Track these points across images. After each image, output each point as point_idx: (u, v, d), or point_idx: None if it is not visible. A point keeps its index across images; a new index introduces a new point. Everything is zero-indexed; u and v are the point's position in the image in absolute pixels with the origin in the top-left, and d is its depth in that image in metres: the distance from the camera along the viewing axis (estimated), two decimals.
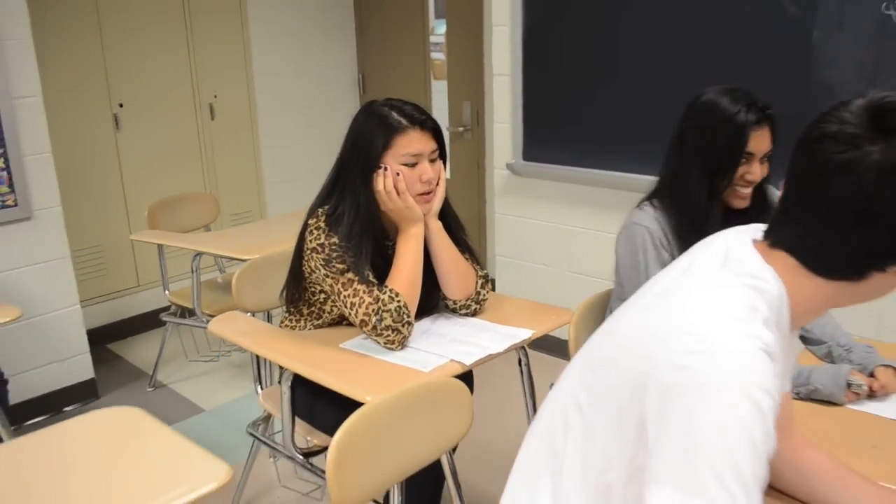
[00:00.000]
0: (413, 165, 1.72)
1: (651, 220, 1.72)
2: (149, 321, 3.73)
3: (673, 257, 1.54)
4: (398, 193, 1.70)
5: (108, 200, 3.63)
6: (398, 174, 1.70)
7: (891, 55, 2.28)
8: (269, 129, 4.20)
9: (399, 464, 1.37)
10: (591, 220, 3.11)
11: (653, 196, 1.80)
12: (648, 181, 1.85)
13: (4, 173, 2.75)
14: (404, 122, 1.71)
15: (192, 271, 2.82)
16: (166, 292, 3.12)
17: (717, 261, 0.93)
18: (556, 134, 3.15)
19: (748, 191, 1.69)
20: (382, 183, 1.70)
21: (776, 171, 1.82)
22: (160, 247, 3.08)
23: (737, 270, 0.90)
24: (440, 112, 4.22)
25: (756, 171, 1.67)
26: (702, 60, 2.67)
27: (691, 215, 1.67)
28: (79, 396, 3.08)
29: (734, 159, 1.65)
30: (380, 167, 1.71)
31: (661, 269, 1.33)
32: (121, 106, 3.60)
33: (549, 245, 3.29)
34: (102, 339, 3.60)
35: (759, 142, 1.65)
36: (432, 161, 1.75)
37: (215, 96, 3.96)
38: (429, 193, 1.75)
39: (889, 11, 2.27)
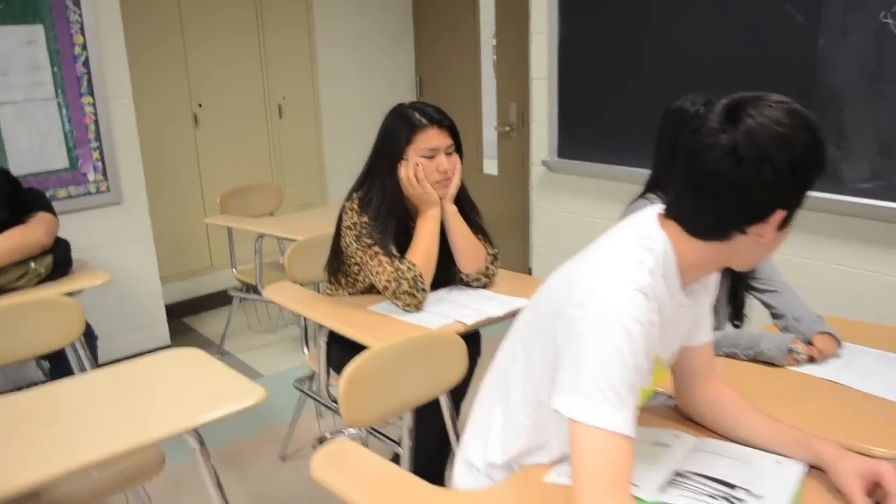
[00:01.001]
0: (431, 158, 2.02)
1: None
2: (220, 298, 4.15)
3: None
4: (418, 181, 2.01)
5: (187, 189, 4.07)
6: (418, 165, 2.01)
7: (889, 60, 2.45)
8: (331, 127, 4.57)
9: (401, 397, 1.67)
10: (619, 214, 3.34)
11: (648, 190, 2.03)
12: None
13: (100, 164, 3.20)
14: (424, 121, 2.01)
15: (255, 251, 3.21)
16: (234, 270, 3.52)
17: (628, 225, 1.20)
18: (587, 133, 3.39)
19: None
20: (405, 172, 2.01)
21: None
22: (229, 230, 3.48)
23: (637, 233, 1.17)
24: (489, 112, 4.52)
25: None
26: (716, 65, 2.87)
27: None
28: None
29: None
30: (404, 159, 2.02)
31: None
32: (200, 106, 4.05)
33: (580, 237, 3.50)
34: (179, 313, 4.05)
35: None
36: (448, 154, 2.05)
37: (284, 97, 4.37)
38: (445, 181, 2.05)
39: (887, 20, 2.43)
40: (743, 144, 1.04)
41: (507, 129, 4.36)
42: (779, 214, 1.07)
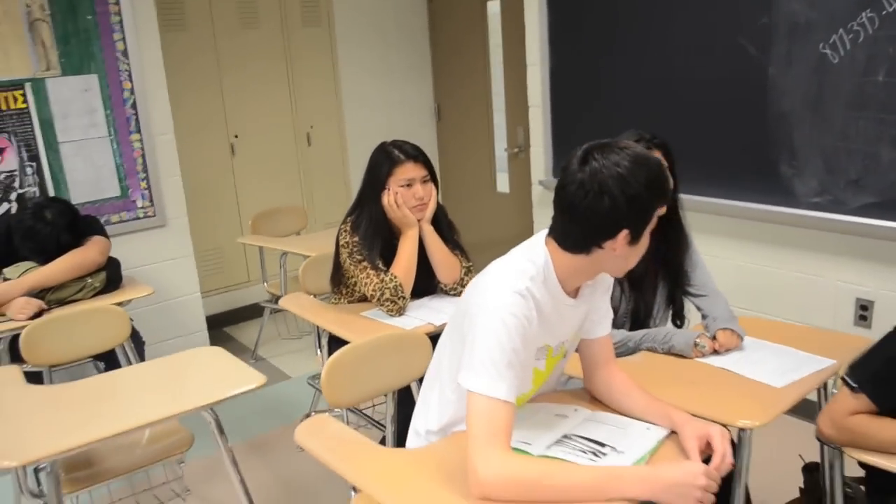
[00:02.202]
0: (409, 186, 2.40)
1: None
2: (255, 309, 4.60)
3: None
4: (398, 206, 2.39)
5: (226, 212, 4.54)
6: (397, 193, 2.39)
7: (827, 85, 2.73)
8: (356, 152, 4.98)
9: (374, 383, 2.04)
10: None
11: None
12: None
13: (147, 192, 3.68)
14: (402, 156, 2.40)
15: (280, 266, 3.63)
16: (265, 284, 3.96)
17: (523, 245, 1.56)
18: None
19: None
20: (387, 199, 2.40)
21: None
22: (260, 248, 3.93)
23: (524, 251, 1.52)
24: (500, 134, 4.88)
25: None
26: (684, 93, 3.19)
27: None
28: None
29: None
30: (386, 188, 2.41)
31: None
32: (236, 137, 4.52)
33: None
34: (220, 323, 4.51)
35: None
36: (424, 183, 2.43)
37: (311, 127, 4.82)
38: (421, 206, 2.43)
39: (825, 50, 2.72)
40: (588, 181, 1.39)
41: (516, 150, 4.72)
42: (623, 233, 1.41)
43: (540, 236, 1.55)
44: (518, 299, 1.43)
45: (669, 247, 2.21)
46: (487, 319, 1.42)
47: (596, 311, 1.67)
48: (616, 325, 2.13)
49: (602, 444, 1.50)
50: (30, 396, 2.03)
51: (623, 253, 1.45)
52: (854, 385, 1.54)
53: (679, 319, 2.34)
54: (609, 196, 1.38)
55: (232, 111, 4.48)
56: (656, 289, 2.23)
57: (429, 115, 5.34)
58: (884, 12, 2.54)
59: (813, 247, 2.94)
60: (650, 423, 1.57)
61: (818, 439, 1.66)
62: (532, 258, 1.50)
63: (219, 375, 2.09)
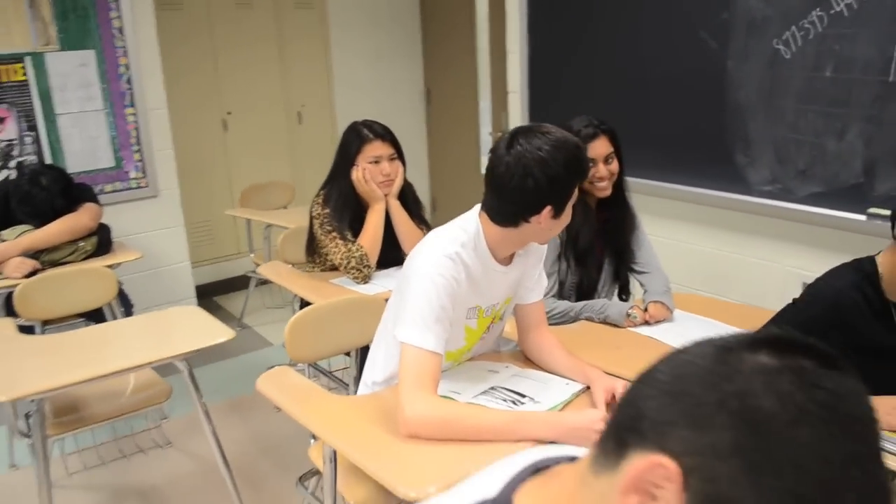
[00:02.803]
0: (377, 163, 2.57)
1: None
2: (245, 280, 4.78)
3: (560, 236, 2.25)
4: (366, 181, 2.57)
5: (217, 186, 4.72)
6: (365, 169, 2.56)
7: (780, 79, 2.88)
8: None
9: (336, 341, 2.23)
10: None
11: None
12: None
13: (140, 164, 3.85)
14: (370, 135, 2.57)
15: (264, 238, 3.82)
16: (251, 255, 4.14)
17: (460, 218, 1.73)
18: None
19: (603, 184, 2.29)
20: (356, 174, 2.58)
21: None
22: (248, 221, 4.11)
23: (460, 222, 1.70)
24: (486, 118, 5.04)
25: (600, 170, 2.28)
26: (650, 82, 3.34)
27: None
28: None
29: None
30: (355, 164, 2.58)
31: (553, 247, 2.13)
32: (228, 113, 4.69)
33: None
34: (209, 293, 4.70)
35: (596, 149, 2.27)
36: (391, 160, 2.60)
37: (303, 105, 4.98)
38: (388, 182, 2.60)
39: (778, 46, 2.88)
40: (513, 164, 1.56)
41: (500, 133, 4.87)
42: (547, 209, 1.59)
43: (475, 209, 1.72)
44: (447, 262, 1.61)
45: (615, 226, 2.39)
46: (419, 280, 1.60)
47: (528, 278, 1.85)
48: (562, 296, 2.31)
49: (523, 395, 1.68)
50: (21, 345, 2.23)
51: (547, 226, 1.63)
52: None
53: (625, 294, 2.52)
54: (532, 177, 1.55)
55: (225, 88, 4.65)
56: (601, 265, 2.41)
57: (419, 98, 5.49)
58: (832, 11, 2.68)
59: (764, 232, 3.11)
60: (570, 379, 1.76)
61: None
62: (465, 227, 1.68)
63: (194, 330, 2.27)
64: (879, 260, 1.71)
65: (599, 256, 2.39)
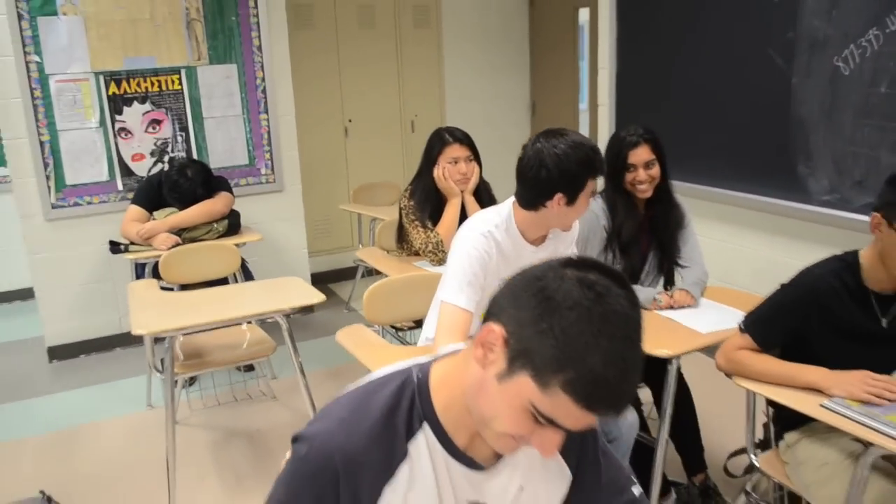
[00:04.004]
0: (455, 164, 2.99)
1: (597, 207, 2.72)
2: (355, 269, 5.34)
3: (606, 229, 2.56)
4: (445, 178, 2.99)
5: (337, 185, 5.31)
6: (445, 168, 2.98)
7: (839, 95, 3.05)
8: None
9: (406, 309, 2.65)
10: None
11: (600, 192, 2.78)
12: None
13: (270, 162, 4.47)
14: (451, 139, 2.99)
15: (370, 230, 4.32)
16: (360, 246, 4.67)
17: (500, 203, 2.11)
18: None
19: (643, 187, 2.52)
20: (437, 172, 3.00)
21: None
22: (359, 215, 4.64)
23: (498, 206, 2.08)
24: (584, 130, 5.35)
25: (640, 174, 2.50)
26: (722, 96, 3.56)
27: (607, 200, 2.68)
28: (301, 309, 4.74)
29: (618, 167, 2.53)
30: (437, 164, 3.01)
31: (599, 238, 2.47)
32: (350, 121, 5.28)
33: None
34: (325, 280, 5.28)
35: (638, 156, 2.50)
36: (468, 161, 3.01)
37: (416, 115, 5.49)
38: (464, 180, 3.01)
39: (838, 63, 3.04)
40: (532, 157, 1.93)
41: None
42: (558, 196, 1.94)
43: (511, 199, 2.10)
44: (481, 238, 1.99)
45: (659, 222, 2.66)
46: (457, 252, 2.00)
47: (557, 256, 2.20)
48: None
49: None
50: (161, 298, 2.81)
51: (562, 212, 1.98)
52: (742, 327, 1.98)
53: (669, 284, 2.78)
54: (546, 169, 1.91)
55: (348, 99, 5.24)
56: (646, 256, 2.68)
57: (524, 110, 5.88)
58: (887, 30, 2.84)
59: (821, 240, 3.25)
60: None
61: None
62: (499, 211, 2.06)
63: (294, 294, 2.77)
64: (862, 253, 1.92)
65: (644, 249, 2.66)
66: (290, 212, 4.59)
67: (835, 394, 1.78)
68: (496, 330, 0.96)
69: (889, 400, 1.73)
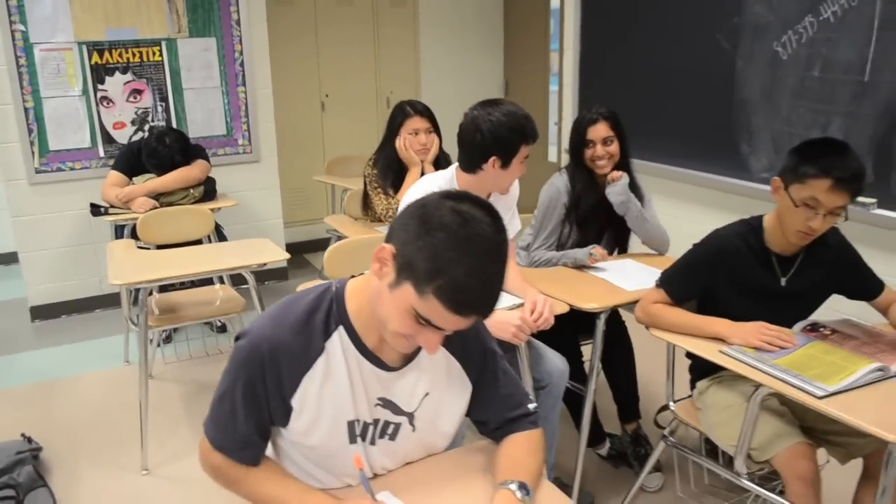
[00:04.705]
0: (416, 135, 3.18)
1: (557, 177, 2.90)
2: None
3: (566, 205, 2.71)
4: (406, 148, 3.18)
5: (314, 158, 5.49)
6: (406, 138, 3.17)
7: (778, 78, 3.26)
8: None
9: (365, 266, 2.85)
10: None
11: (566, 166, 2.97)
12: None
13: (247, 133, 4.65)
14: (411, 111, 3.17)
15: (340, 200, 4.51)
16: (332, 215, 4.85)
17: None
18: None
19: (601, 162, 2.69)
20: (398, 142, 3.19)
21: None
22: (332, 186, 4.83)
23: (443, 171, 2.28)
24: (553, 110, 5.54)
25: (598, 150, 2.67)
26: (672, 79, 3.77)
27: (569, 175, 2.84)
28: (276, 276, 4.95)
29: (578, 143, 2.74)
30: (398, 135, 3.20)
31: (558, 211, 2.64)
32: (326, 96, 5.44)
33: None
34: (301, 250, 5.48)
35: (596, 132, 2.67)
36: (428, 133, 3.20)
37: (391, 92, 5.66)
38: (424, 150, 3.20)
39: (777, 48, 3.25)
40: (469, 123, 2.13)
41: (558, 122, 5.36)
42: (492, 159, 2.14)
43: (455, 164, 2.30)
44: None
45: None
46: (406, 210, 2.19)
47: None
48: (559, 249, 2.78)
49: None
50: (138, 255, 3.00)
51: (497, 174, 2.18)
52: (658, 283, 2.19)
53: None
54: (480, 134, 2.11)
55: (325, 74, 5.40)
56: (601, 233, 2.82)
57: (498, 88, 6.06)
58: (821, 17, 3.04)
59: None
60: (515, 295, 2.30)
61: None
62: (443, 175, 2.26)
63: (260, 253, 2.96)
64: (766, 217, 2.14)
65: (601, 225, 2.80)
66: (265, 181, 4.77)
67: (734, 342, 1.99)
68: (387, 248, 1.17)
69: (780, 347, 1.94)
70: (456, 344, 1.40)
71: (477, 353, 1.42)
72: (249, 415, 1.28)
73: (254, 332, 1.27)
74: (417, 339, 1.19)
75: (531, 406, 1.49)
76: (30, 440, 2.88)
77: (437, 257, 1.10)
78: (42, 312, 4.36)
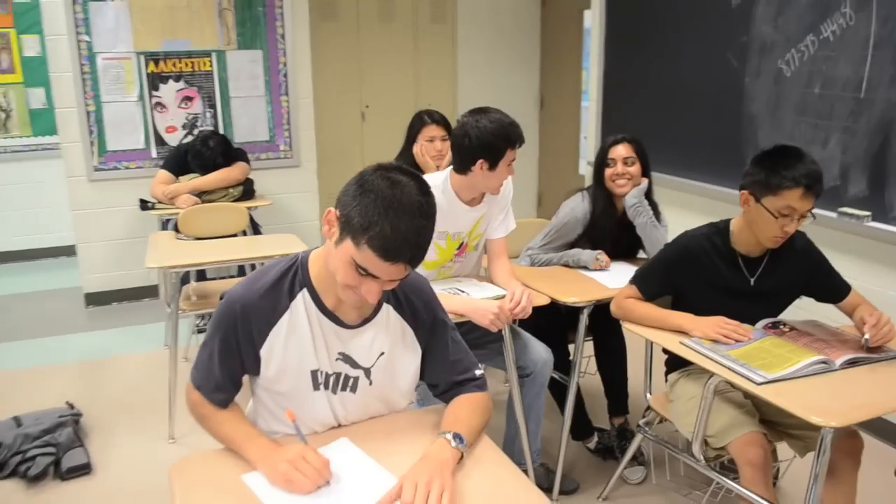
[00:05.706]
0: (432, 141, 3.41)
1: (579, 202, 2.91)
2: None
3: (584, 225, 2.83)
4: (422, 154, 3.41)
5: (353, 165, 5.77)
6: (423, 145, 3.41)
7: (782, 94, 3.38)
8: None
9: None
10: None
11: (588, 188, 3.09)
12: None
13: (288, 140, 4.96)
14: (429, 120, 3.41)
15: None
16: None
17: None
18: None
19: (621, 181, 2.78)
20: (416, 149, 3.43)
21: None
22: None
23: (439, 172, 2.50)
24: (585, 124, 5.70)
25: (619, 168, 2.79)
26: (686, 95, 3.91)
27: (592, 195, 2.94)
28: None
29: (600, 162, 2.87)
30: (416, 141, 3.43)
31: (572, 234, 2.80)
32: (367, 107, 5.74)
33: None
34: None
35: (618, 151, 2.81)
36: (443, 140, 3.42)
37: (429, 104, 5.88)
38: (439, 156, 3.42)
39: (781, 66, 3.37)
40: (459, 129, 2.34)
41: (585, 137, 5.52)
42: (480, 162, 2.35)
43: (450, 167, 2.51)
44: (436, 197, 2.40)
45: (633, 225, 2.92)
46: None
47: (493, 220, 2.60)
48: None
49: (462, 290, 2.45)
50: (175, 245, 3.32)
51: (485, 175, 2.38)
52: (631, 280, 2.36)
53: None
54: (469, 138, 2.33)
55: (366, 86, 5.71)
56: (614, 244, 2.90)
57: (533, 103, 6.26)
58: (821, 36, 3.16)
59: None
60: (500, 287, 2.49)
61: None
62: (439, 175, 2.48)
63: (284, 245, 3.24)
64: (733, 220, 2.29)
65: (613, 235, 2.88)
66: (304, 185, 5.07)
67: (694, 334, 2.15)
68: (333, 211, 1.41)
69: (736, 340, 2.09)
70: (408, 312, 1.61)
71: (427, 322, 1.64)
72: (223, 362, 1.52)
73: (231, 294, 1.51)
74: (361, 289, 1.41)
75: (478, 372, 1.69)
76: (72, 406, 3.20)
77: (368, 213, 1.32)
78: (95, 299, 4.74)
